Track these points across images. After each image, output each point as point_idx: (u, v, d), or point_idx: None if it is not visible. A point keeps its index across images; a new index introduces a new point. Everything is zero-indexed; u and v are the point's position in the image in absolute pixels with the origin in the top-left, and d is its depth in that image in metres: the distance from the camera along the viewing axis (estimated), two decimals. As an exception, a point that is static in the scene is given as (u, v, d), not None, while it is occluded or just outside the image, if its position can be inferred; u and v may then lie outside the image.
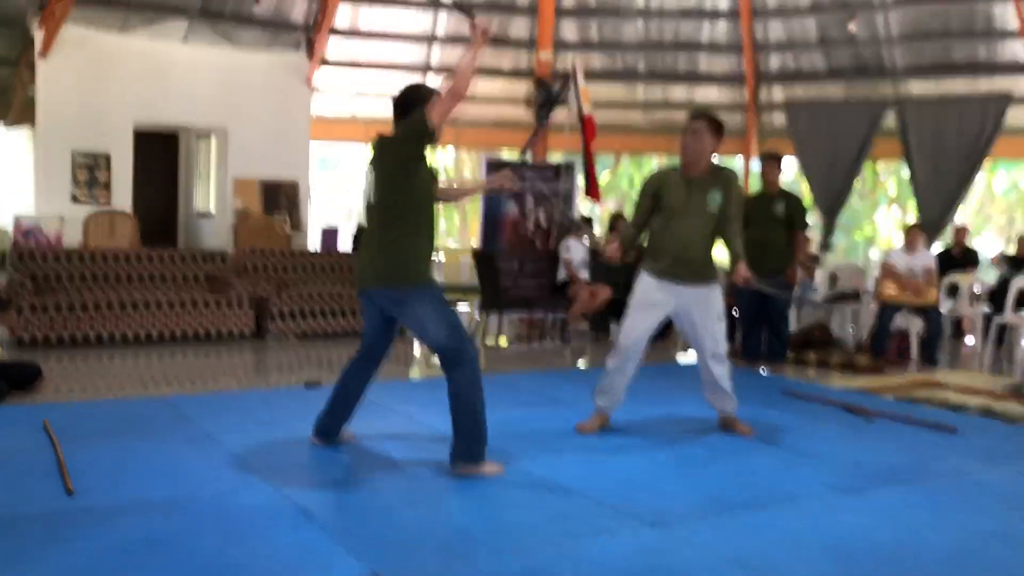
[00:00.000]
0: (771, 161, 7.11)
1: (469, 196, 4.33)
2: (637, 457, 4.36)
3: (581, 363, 7.77)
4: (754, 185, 10.97)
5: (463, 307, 10.92)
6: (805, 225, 7.06)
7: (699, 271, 4.67)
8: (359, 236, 11.43)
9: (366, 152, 4.12)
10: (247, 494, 3.57)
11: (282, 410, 5.12)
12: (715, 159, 4.71)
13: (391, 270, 3.93)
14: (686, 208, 4.63)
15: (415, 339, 4.14)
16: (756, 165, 12.34)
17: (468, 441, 3.89)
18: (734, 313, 8.77)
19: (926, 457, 4.50)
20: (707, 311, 4.70)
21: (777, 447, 4.59)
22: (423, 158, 3.95)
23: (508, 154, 13.48)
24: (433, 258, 4.04)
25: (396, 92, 4.04)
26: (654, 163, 20.54)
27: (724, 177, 4.67)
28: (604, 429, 4.87)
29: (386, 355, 4.33)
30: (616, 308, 7.12)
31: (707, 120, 4.65)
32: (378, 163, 3.99)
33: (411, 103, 3.94)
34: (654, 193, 4.73)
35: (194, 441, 4.35)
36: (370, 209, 4.03)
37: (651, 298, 4.71)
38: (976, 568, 3.08)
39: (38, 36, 9.63)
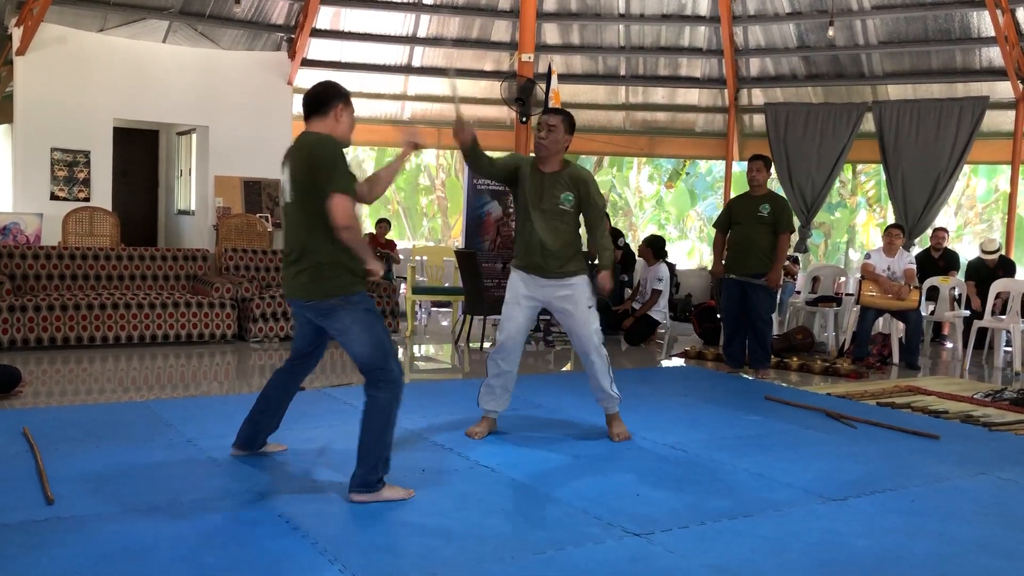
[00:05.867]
0: (757, 162, 7.12)
1: (396, 173, 4.07)
2: (620, 464, 4.37)
3: (566, 367, 7.79)
4: (737, 186, 11.01)
5: (446, 310, 10.89)
6: (790, 228, 7.06)
7: (561, 265, 4.62)
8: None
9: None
10: (228, 501, 3.55)
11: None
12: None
13: (316, 281, 3.63)
14: (539, 203, 4.57)
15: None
16: (738, 167, 12.43)
17: (366, 467, 3.60)
18: (718, 316, 8.80)
19: (907, 464, 4.53)
20: (576, 304, 4.66)
21: (759, 454, 4.60)
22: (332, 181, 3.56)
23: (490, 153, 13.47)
24: (358, 266, 3.65)
25: (309, 89, 3.76)
26: (635, 164, 20.66)
27: (579, 177, 4.59)
28: (492, 432, 4.78)
29: (314, 366, 4.13)
30: (600, 312, 7.11)
31: (563, 115, 4.58)
32: (295, 163, 3.65)
33: (324, 101, 3.68)
34: (514, 166, 4.67)
35: (174, 447, 4.31)
36: (287, 208, 3.72)
37: (519, 292, 4.68)
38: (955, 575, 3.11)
39: (16, 34, 9.55)
